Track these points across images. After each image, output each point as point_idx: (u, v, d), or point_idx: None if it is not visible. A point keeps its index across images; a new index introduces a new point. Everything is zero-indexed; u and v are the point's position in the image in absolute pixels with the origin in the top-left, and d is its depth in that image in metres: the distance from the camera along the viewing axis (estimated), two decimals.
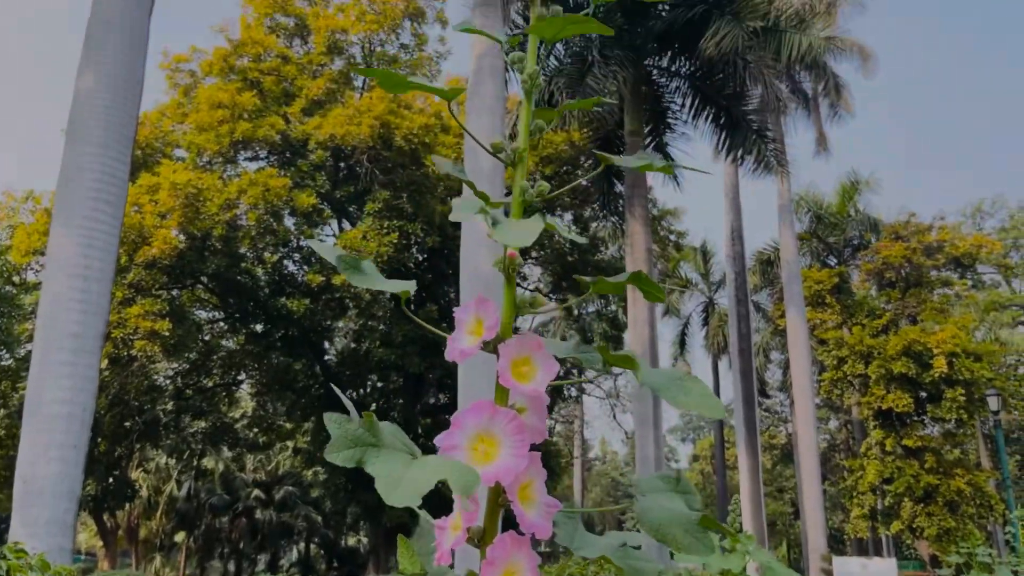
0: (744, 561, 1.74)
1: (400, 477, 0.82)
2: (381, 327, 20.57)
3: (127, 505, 30.82)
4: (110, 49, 7.01)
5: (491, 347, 0.96)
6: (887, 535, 25.18)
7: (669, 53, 16.55)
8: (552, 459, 27.93)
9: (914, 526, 21.41)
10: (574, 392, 33.00)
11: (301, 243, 20.46)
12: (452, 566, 1.00)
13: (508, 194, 1.03)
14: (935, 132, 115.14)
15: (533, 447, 0.96)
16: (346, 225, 22.53)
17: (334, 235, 22.43)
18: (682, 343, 35.12)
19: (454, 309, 0.99)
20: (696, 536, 0.94)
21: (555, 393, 28.24)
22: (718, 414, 0.89)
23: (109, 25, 7.28)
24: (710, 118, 16.73)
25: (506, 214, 0.99)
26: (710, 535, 0.96)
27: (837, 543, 33.29)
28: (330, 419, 0.88)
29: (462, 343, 0.97)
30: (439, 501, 1.03)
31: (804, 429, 22.43)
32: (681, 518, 0.95)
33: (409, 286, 1.01)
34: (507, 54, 1.07)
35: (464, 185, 1.00)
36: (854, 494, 23.43)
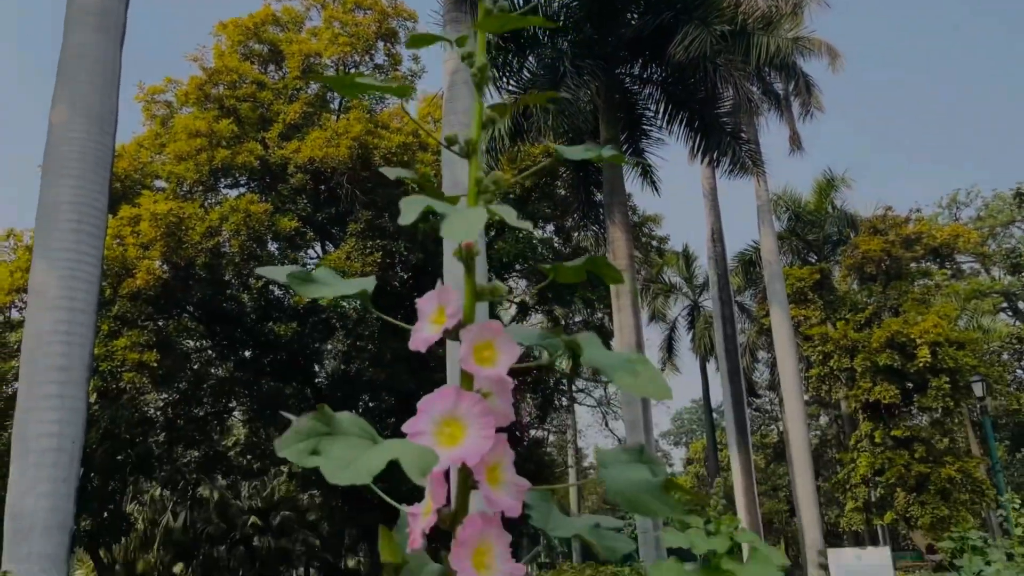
0: (729, 541, 1.76)
1: (352, 459, 0.84)
2: (370, 347, 20.53)
3: (123, 539, 30.49)
4: (83, 80, 7.01)
5: (453, 334, 0.98)
6: (882, 526, 25.28)
7: (640, 60, 16.70)
8: (546, 469, 27.91)
9: (908, 516, 21.51)
10: (565, 402, 33.00)
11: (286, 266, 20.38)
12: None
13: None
14: (909, 124, 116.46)
15: (500, 430, 0.98)
16: (329, 247, 22.51)
17: (317, 257, 22.40)
18: (669, 347, 35.22)
19: (416, 300, 1.01)
20: (661, 500, 0.97)
21: (546, 403, 28.25)
22: (665, 396, 0.91)
23: (81, 57, 7.28)
24: (684, 122, 16.87)
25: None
26: (676, 499, 0.99)
27: (834, 537, 33.35)
28: (286, 419, 0.90)
29: (425, 331, 1.00)
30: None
31: (794, 426, 22.51)
32: (645, 484, 0.98)
33: (368, 284, 1.02)
34: (461, 55, 1.10)
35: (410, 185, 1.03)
36: (847, 487, 23.53)
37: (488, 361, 0.97)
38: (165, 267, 18.39)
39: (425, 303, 1.01)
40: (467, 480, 0.99)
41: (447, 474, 1.00)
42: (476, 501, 1.08)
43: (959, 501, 20.96)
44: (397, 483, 1.04)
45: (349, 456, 0.84)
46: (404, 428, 0.95)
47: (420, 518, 1.00)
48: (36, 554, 5.41)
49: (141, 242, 17.76)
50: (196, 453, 25.70)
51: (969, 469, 21.56)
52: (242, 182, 21.41)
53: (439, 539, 1.04)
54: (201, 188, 20.35)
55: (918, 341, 21.70)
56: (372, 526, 24.70)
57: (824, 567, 18.29)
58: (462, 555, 0.94)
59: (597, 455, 1.10)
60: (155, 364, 17.69)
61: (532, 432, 28.72)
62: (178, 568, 33.22)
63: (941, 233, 27.53)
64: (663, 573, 1.84)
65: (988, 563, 8.01)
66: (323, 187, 20.90)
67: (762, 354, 33.78)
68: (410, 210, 0.97)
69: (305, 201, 20.08)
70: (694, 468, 47.42)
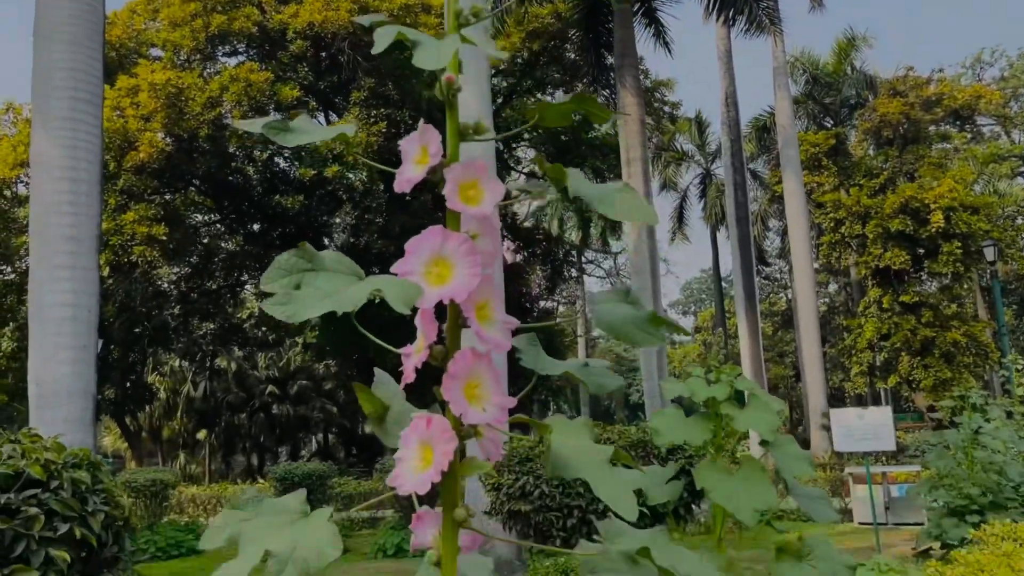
0: (729, 389, 1.82)
1: (335, 292, 0.86)
2: (378, 220, 20.54)
3: (147, 407, 31.73)
4: None
5: (437, 174, 0.99)
6: (885, 389, 25.92)
7: None
8: (556, 338, 28.41)
9: (911, 379, 22.00)
10: (575, 273, 33.25)
11: None
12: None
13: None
14: None
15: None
16: (333, 117, 22.14)
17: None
18: (680, 216, 35.11)
19: (399, 142, 1.01)
20: (646, 331, 1.00)
21: (556, 275, 28.49)
22: (651, 220, 0.92)
23: None
24: None
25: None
26: (662, 331, 1.02)
27: (837, 401, 34.29)
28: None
29: (409, 172, 1.00)
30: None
31: (803, 293, 22.72)
32: (632, 317, 1.01)
33: (348, 129, 1.02)
34: None
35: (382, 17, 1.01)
36: (853, 353, 23.98)
37: (473, 200, 0.98)
38: (168, 140, 18.19)
39: (408, 144, 1.02)
40: (457, 318, 1.02)
41: (438, 313, 1.03)
42: (468, 339, 1.11)
43: (962, 364, 21.37)
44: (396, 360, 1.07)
45: (331, 288, 0.87)
46: (393, 269, 0.97)
47: (413, 356, 1.04)
48: (62, 419, 5.64)
49: (141, 114, 17.50)
50: (211, 325, 26.28)
51: (975, 333, 21.85)
52: (240, 50, 20.83)
53: (436, 378, 1.08)
54: (199, 56, 19.83)
55: (932, 206, 21.52)
56: None
57: (826, 428, 18.92)
58: (453, 387, 0.98)
59: (589, 297, 1.12)
60: (164, 238, 17.81)
61: (541, 303, 29.13)
62: (201, 434, 34.71)
63: (963, 94, 26.76)
64: (664, 420, 1.91)
65: (987, 420, 8.26)
66: (324, 54, 20.32)
67: (773, 222, 33.67)
68: (382, 39, 0.96)
69: (306, 69, 19.57)
70: (702, 336, 48.25)
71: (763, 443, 1.74)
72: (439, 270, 0.97)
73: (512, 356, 1.20)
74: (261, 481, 23.33)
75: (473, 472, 1.05)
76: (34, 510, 2.19)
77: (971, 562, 4.47)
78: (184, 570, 12.59)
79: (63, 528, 2.27)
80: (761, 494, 1.63)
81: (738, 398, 1.85)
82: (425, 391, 1.13)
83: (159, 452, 33.86)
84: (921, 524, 10.02)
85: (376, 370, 1.24)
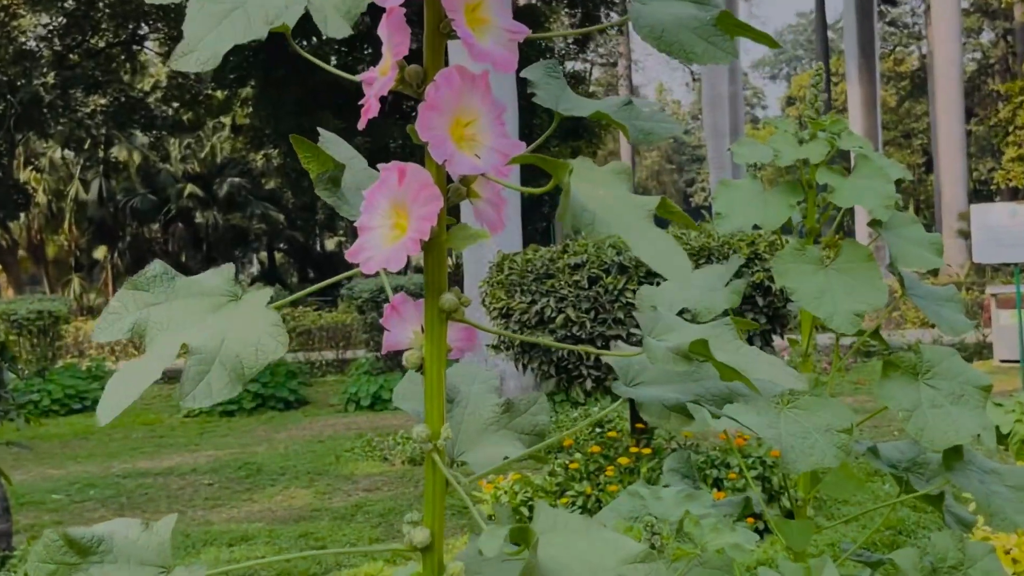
0: (828, 149, 1.81)
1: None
2: None
3: (22, 216, 32.19)
4: None
5: None
6: None
7: None
8: (583, 134, 28.13)
9: None
10: (615, 16, 32.39)
11: None
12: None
13: None
14: None
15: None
16: None
17: None
18: None
19: None
20: (711, 40, 0.97)
21: (588, 21, 27.82)
22: None
23: None
24: None
25: None
26: (734, 41, 1.00)
27: (982, 198, 34.37)
28: None
29: None
30: None
31: (944, 45, 22.22)
32: (690, 18, 0.98)
33: None
34: None
35: None
36: (1010, 130, 23.74)
37: None
38: None
39: None
40: (439, 22, 1.00)
41: (411, 18, 1.01)
42: (457, 56, 1.09)
43: None
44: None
45: None
46: None
47: (377, 80, 1.02)
48: None
49: None
50: (102, 100, 26.16)
51: None
52: None
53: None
54: None
55: None
56: None
57: (964, 235, 19.09)
58: (435, 123, 0.97)
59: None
60: None
61: (568, 65, 28.64)
62: (100, 252, 35.41)
63: None
64: (731, 195, 1.92)
65: None
66: None
67: None
68: None
69: None
70: (796, 109, 47.70)
71: (873, 223, 1.76)
72: None
73: (524, 91, 1.19)
74: None
75: (464, 244, 1.07)
76: None
77: None
78: (88, 428, 13.24)
79: None
80: (865, 291, 1.66)
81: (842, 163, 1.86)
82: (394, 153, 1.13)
83: (44, 276, 34.69)
84: None
85: (320, 129, 1.24)
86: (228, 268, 1.00)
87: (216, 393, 0.86)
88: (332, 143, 1.19)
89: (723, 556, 1.49)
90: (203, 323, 0.92)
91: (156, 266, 1.02)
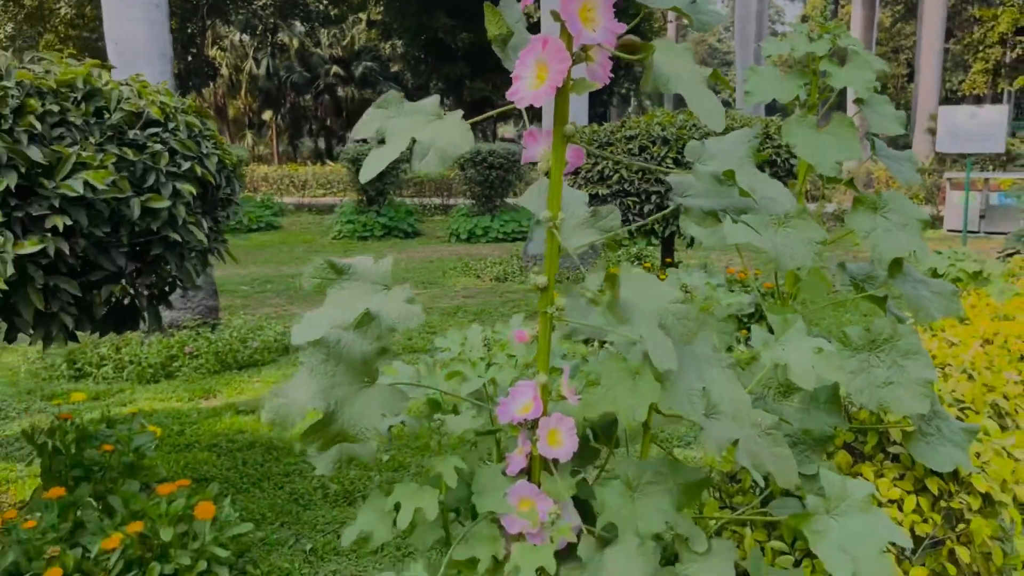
0: (830, 44, 1.90)
1: None
2: None
3: (211, 84, 32.45)
4: None
5: None
6: (1009, 91, 24.67)
7: None
8: (643, 23, 27.27)
9: None
10: None
11: None
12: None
13: None
14: None
15: None
16: None
17: None
18: None
19: None
20: None
21: None
22: None
23: None
24: None
25: None
26: None
27: (951, 104, 32.86)
28: None
29: None
30: None
31: None
32: None
33: None
34: None
35: None
36: (980, 48, 22.56)
37: None
38: None
39: None
40: None
41: None
42: None
43: None
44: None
45: None
46: None
47: None
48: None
49: None
50: None
51: None
52: None
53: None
54: None
55: None
56: (457, 78, 25.42)
57: (932, 132, 18.43)
58: (570, 8, 1.13)
59: None
60: None
61: None
62: (267, 115, 35.63)
63: None
64: (758, 77, 2.02)
65: None
66: None
67: None
68: None
69: None
70: (807, 29, 45.44)
71: (857, 101, 1.87)
72: None
73: None
74: (331, 163, 24.36)
75: (584, 90, 1.24)
76: (158, 147, 2.50)
77: None
78: (266, 242, 13.78)
79: (185, 165, 2.59)
80: (845, 148, 1.79)
81: (840, 58, 1.96)
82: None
83: (227, 132, 35.11)
84: None
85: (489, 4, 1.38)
86: (435, 99, 1.19)
87: (432, 165, 1.07)
88: (508, 7, 1.33)
89: (731, 308, 1.69)
90: (424, 128, 1.12)
91: (392, 94, 1.20)
